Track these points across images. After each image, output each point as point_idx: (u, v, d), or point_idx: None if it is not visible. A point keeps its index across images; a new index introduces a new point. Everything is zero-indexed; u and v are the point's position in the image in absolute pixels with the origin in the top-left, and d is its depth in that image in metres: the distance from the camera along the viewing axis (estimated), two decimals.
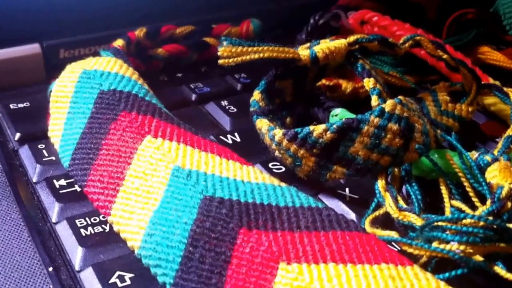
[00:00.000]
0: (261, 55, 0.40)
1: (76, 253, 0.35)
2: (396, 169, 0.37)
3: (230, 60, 0.40)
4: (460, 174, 0.36)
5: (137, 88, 0.40)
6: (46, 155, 0.42)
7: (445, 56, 0.43)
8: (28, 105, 0.48)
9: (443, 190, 0.36)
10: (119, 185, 0.36)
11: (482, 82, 0.45)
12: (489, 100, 0.48)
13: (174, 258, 0.31)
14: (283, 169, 0.41)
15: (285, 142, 0.38)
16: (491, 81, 0.48)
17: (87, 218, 0.37)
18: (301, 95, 0.46)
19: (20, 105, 0.48)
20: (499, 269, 0.30)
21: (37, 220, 0.38)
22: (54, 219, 0.37)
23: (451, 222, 0.31)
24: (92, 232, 0.36)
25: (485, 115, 0.49)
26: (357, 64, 0.42)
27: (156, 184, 0.34)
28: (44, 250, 0.35)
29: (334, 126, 0.37)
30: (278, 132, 0.38)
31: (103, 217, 0.37)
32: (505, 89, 0.44)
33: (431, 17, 0.59)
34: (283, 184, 0.35)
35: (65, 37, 0.53)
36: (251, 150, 0.43)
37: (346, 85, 0.49)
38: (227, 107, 0.49)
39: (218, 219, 0.31)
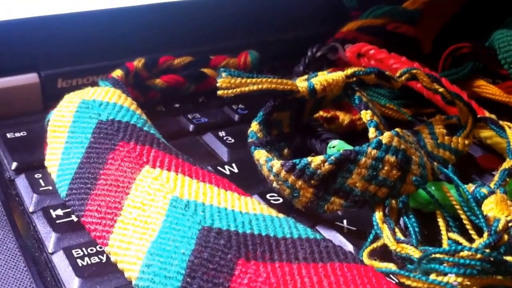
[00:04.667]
0: (260, 86, 0.41)
1: (72, 284, 0.34)
2: (393, 201, 0.38)
3: (229, 91, 0.40)
4: (457, 207, 0.36)
5: (136, 118, 0.40)
6: (43, 184, 0.42)
7: (441, 90, 0.43)
8: (25, 134, 0.48)
9: (440, 223, 0.36)
10: (117, 215, 0.36)
11: (478, 116, 0.45)
12: (485, 133, 0.48)
13: None
14: (281, 200, 0.41)
15: (283, 173, 0.38)
16: (487, 114, 0.48)
17: (84, 248, 0.37)
18: (299, 127, 0.46)
19: (17, 135, 0.48)
20: None
21: (33, 250, 0.38)
22: (50, 249, 0.37)
23: (448, 254, 0.31)
24: (89, 262, 0.36)
25: (481, 148, 0.49)
26: (355, 97, 0.42)
27: (154, 214, 0.34)
28: (41, 280, 0.35)
29: (332, 157, 0.37)
30: (276, 163, 0.39)
31: (100, 247, 0.37)
32: (500, 122, 0.45)
33: (427, 51, 0.60)
34: (281, 215, 0.35)
35: (63, 67, 0.53)
36: (249, 181, 0.43)
37: (344, 117, 0.49)
38: (224, 138, 0.49)
39: (216, 249, 0.31)
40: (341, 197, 0.37)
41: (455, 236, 0.35)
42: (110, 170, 0.37)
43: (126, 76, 0.49)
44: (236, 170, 0.45)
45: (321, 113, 0.48)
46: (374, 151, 0.37)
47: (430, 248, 0.33)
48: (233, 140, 0.49)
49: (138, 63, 0.51)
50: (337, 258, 0.30)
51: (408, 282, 0.32)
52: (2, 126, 0.49)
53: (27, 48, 0.52)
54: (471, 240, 0.34)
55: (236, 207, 0.34)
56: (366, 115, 0.41)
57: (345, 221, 0.40)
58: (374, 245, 0.36)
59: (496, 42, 0.53)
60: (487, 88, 0.54)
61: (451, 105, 0.45)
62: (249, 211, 0.34)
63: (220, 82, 0.40)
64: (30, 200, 0.41)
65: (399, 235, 0.35)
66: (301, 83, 0.43)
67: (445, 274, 0.31)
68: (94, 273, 0.35)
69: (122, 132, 0.39)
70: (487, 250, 0.31)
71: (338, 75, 0.43)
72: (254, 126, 0.43)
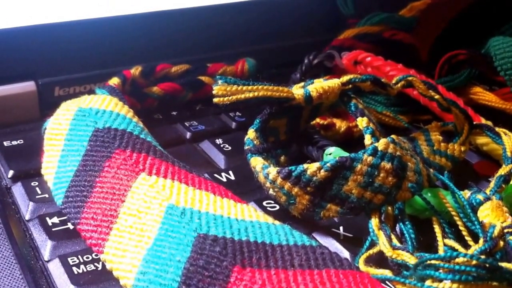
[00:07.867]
0: (256, 94, 0.41)
1: None
2: (389, 208, 0.38)
3: (225, 99, 0.40)
4: (453, 213, 0.36)
5: (132, 126, 0.40)
6: (39, 192, 0.42)
7: (437, 97, 0.43)
8: (22, 142, 0.48)
9: (436, 229, 0.36)
10: (113, 222, 0.36)
11: (474, 122, 0.45)
12: (481, 140, 0.48)
13: None
14: (277, 207, 0.41)
15: (279, 180, 0.38)
16: (483, 121, 0.48)
17: (79, 256, 0.37)
18: (295, 134, 0.46)
19: (14, 143, 0.48)
20: None
21: (29, 258, 0.38)
22: (46, 257, 0.37)
23: (444, 260, 0.31)
24: (85, 270, 0.36)
25: (477, 155, 0.49)
26: (351, 104, 0.42)
27: (150, 222, 0.34)
28: None
29: (328, 164, 0.37)
30: (272, 170, 0.39)
31: (96, 255, 0.36)
32: (496, 129, 0.45)
33: (423, 58, 0.60)
34: (277, 222, 0.34)
35: (60, 75, 0.53)
36: (246, 188, 0.43)
37: (340, 124, 0.49)
38: (221, 145, 0.49)
39: (211, 257, 0.31)
40: (337, 204, 0.37)
41: (451, 242, 0.35)
42: (106, 178, 0.37)
43: (123, 84, 0.49)
44: (232, 177, 0.45)
45: (317, 120, 0.48)
46: (369, 158, 0.37)
47: (426, 255, 0.33)
48: (230, 148, 0.49)
49: (135, 71, 0.51)
50: (333, 265, 0.30)
51: None
52: None
53: (24, 56, 0.52)
54: (467, 246, 0.34)
55: (232, 214, 0.34)
56: (362, 122, 0.41)
57: (341, 228, 0.40)
58: (370, 251, 0.36)
59: (492, 49, 0.53)
60: (484, 95, 0.54)
61: (447, 112, 0.45)
62: (245, 218, 0.34)
63: (216, 89, 0.40)
64: (26, 208, 0.41)
65: (395, 241, 0.35)
66: (298, 91, 0.43)
67: (441, 281, 0.31)
68: (90, 281, 0.35)
69: (119, 139, 0.39)
70: (483, 256, 0.31)
71: (334, 82, 0.43)
72: (251, 133, 0.43)
